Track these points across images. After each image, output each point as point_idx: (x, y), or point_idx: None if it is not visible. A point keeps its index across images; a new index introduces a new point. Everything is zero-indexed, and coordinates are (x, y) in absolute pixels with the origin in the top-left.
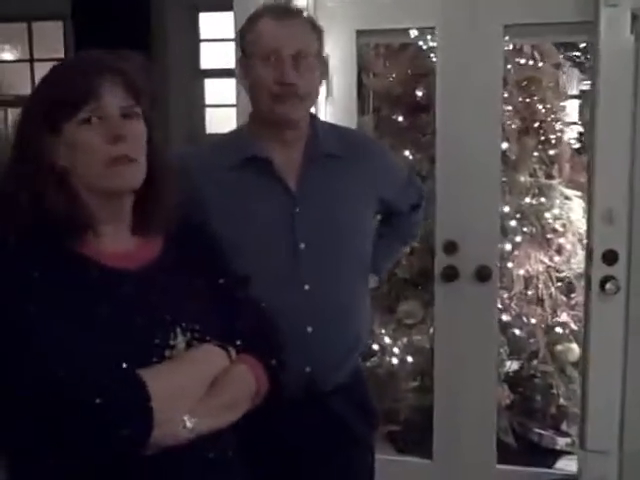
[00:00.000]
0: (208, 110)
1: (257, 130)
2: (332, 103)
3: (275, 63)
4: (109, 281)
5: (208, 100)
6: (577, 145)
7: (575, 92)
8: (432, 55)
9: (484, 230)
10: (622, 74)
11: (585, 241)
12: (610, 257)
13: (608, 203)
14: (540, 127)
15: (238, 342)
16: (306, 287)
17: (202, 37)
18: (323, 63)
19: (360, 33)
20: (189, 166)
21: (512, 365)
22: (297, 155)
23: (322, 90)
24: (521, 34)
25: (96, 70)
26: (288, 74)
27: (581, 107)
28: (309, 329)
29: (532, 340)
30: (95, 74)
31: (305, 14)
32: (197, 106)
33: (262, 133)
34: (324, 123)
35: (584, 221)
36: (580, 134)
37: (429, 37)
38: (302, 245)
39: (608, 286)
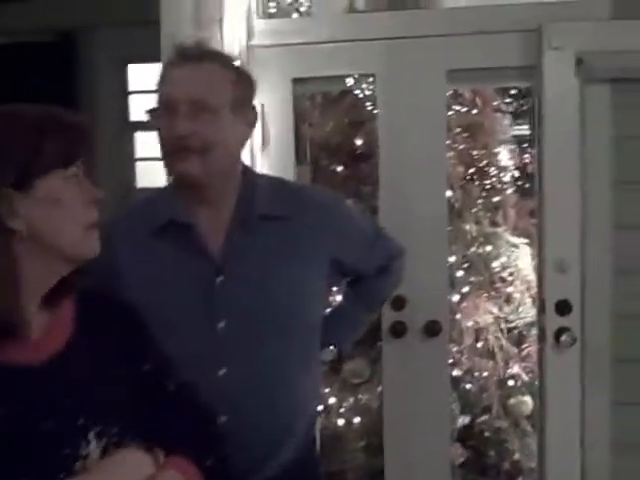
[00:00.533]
0: (139, 164)
1: (179, 190)
2: (268, 154)
3: (168, 113)
4: (6, 380)
5: (138, 153)
6: (512, 189)
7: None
8: (369, 103)
9: (432, 283)
10: (567, 118)
11: (535, 290)
12: (563, 307)
13: (559, 252)
14: (482, 173)
15: (166, 441)
16: (221, 372)
17: (131, 89)
18: (246, 112)
19: (296, 81)
20: (110, 233)
21: (464, 421)
22: (225, 217)
23: (254, 141)
24: (464, 79)
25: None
26: (178, 126)
27: (513, 152)
28: (222, 419)
29: (484, 394)
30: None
31: (219, 57)
32: (127, 159)
33: (183, 193)
34: (264, 178)
35: (531, 269)
36: (516, 179)
37: (365, 85)
38: (221, 323)
39: (564, 338)
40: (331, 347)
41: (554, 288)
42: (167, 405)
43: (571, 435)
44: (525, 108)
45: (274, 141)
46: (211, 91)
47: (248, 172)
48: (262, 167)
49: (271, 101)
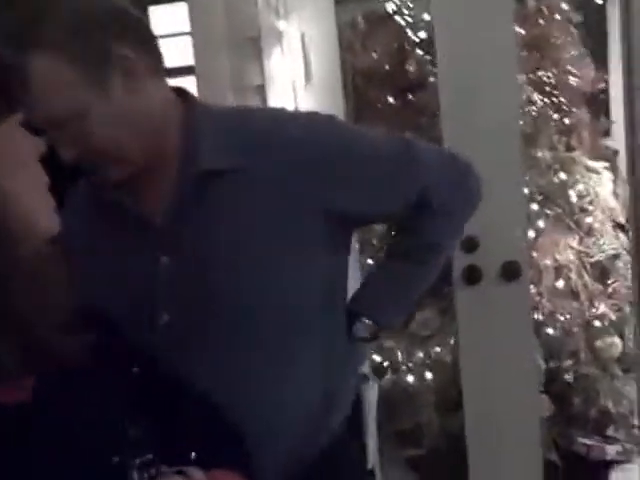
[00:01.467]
0: None
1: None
2: (312, 90)
3: None
4: None
5: None
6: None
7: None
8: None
9: (507, 220)
10: None
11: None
12: None
13: None
14: (553, 93)
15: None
16: None
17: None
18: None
19: (338, 3)
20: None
21: (548, 369)
22: (166, 183)
23: (295, 76)
24: None
25: None
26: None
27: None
28: None
29: (569, 339)
30: None
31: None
32: None
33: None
34: (218, 119)
35: (612, 195)
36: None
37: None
38: (164, 317)
39: None
40: (365, 320)
41: None
42: (178, 411)
43: None
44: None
45: (318, 75)
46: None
47: (191, 117)
48: (307, 105)
49: (312, 30)
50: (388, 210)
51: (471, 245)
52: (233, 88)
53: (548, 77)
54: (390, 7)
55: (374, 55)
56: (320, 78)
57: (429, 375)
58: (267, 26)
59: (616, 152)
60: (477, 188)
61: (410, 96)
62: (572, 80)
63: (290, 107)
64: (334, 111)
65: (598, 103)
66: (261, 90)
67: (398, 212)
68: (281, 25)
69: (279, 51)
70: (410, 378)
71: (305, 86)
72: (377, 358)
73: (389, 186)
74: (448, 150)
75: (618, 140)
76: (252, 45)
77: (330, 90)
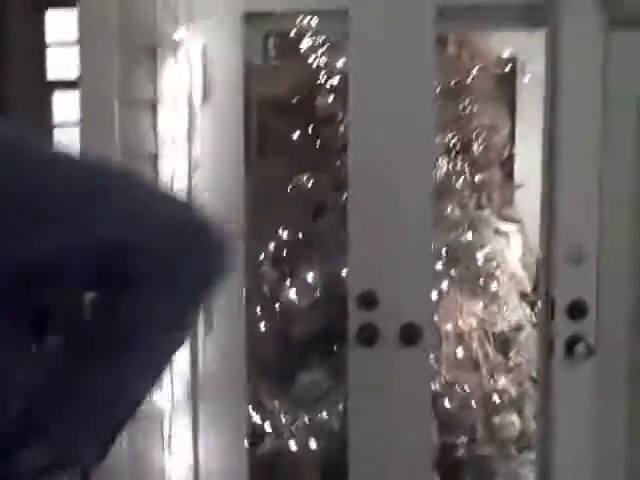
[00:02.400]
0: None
1: None
2: (211, 108)
3: None
4: None
5: (57, 118)
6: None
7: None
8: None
9: (412, 277)
10: (589, 72)
11: (523, 286)
12: (577, 310)
13: (576, 238)
14: (467, 144)
15: None
16: None
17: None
18: None
19: (248, 17)
20: None
21: (442, 445)
22: None
23: (192, 91)
24: (456, 18)
25: None
26: None
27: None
28: None
29: (465, 413)
30: None
31: None
32: (44, 126)
33: None
34: None
35: (519, 262)
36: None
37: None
38: None
39: (579, 349)
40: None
41: (567, 285)
42: None
43: (583, 464)
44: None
45: (219, 92)
46: None
47: None
48: (203, 124)
49: (215, 42)
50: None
51: (369, 301)
52: (121, 102)
53: (463, 130)
54: (305, 44)
55: (282, 84)
56: (220, 97)
57: (313, 444)
58: (164, 34)
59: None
60: (215, 261)
61: (315, 130)
62: (488, 137)
63: (183, 125)
64: (233, 135)
65: (508, 163)
66: (152, 105)
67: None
68: (179, 34)
69: (174, 63)
70: (292, 445)
71: (202, 104)
72: (257, 420)
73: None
74: (183, 198)
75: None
76: (145, 55)
77: (230, 111)
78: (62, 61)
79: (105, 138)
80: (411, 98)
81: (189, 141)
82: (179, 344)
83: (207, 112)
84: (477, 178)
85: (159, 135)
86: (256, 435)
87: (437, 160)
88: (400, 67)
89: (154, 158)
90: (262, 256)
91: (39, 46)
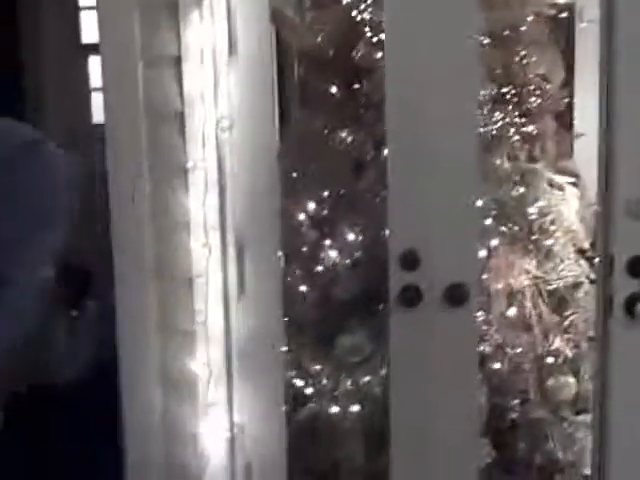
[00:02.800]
0: (95, 95)
1: None
2: (237, 66)
3: None
4: None
5: (94, 82)
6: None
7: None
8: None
9: (456, 234)
10: None
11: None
12: (638, 266)
13: (636, 191)
14: (517, 93)
15: None
16: None
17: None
18: None
19: None
20: None
21: (492, 410)
22: None
23: (216, 48)
24: None
25: None
26: None
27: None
28: None
29: (517, 376)
30: None
31: None
32: (80, 90)
33: None
34: None
35: (576, 216)
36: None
37: None
38: None
39: (639, 308)
40: None
41: (626, 240)
42: None
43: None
44: None
45: (245, 46)
46: None
47: None
48: (230, 84)
49: None
50: None
51: (411, 261)
52: (144, 61)
53: (515, 80)
54: None
55: (318, 36)
56: (247, 51)
57: (356, 408)
58: None
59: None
60: None
61: (356, 86)
62: (541, 85)
63: (210, 83)
64: (262, 91)
65: (565, 113)
66: (177, 62)
67: None
68: None
69: (198, 17)
70: (334, 410)
71: (228, 60)
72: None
73: None
74: None
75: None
76: (167, 9)
77: (258, 65)
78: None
79: (129, 98)
80: (452, 47)
81: (215, 98)
82: None
83: (234, 67)
84: (530, 129)
85: (185, 93)
86: (297, 400)
87: (484, 111)
88: (440, 14)
89: (180, 116)
90: (301, 216)
91: (73, 10)
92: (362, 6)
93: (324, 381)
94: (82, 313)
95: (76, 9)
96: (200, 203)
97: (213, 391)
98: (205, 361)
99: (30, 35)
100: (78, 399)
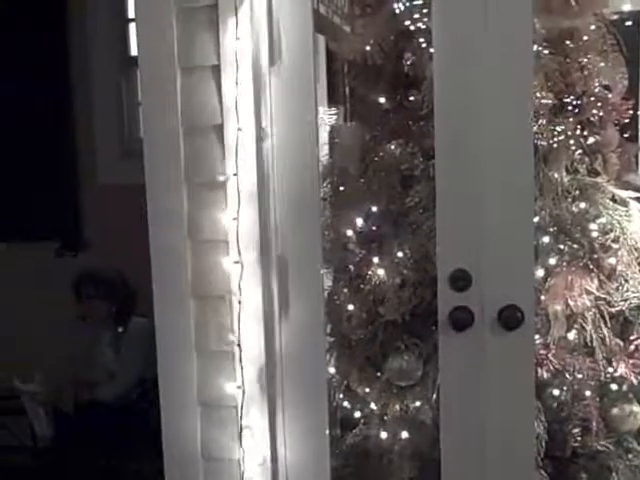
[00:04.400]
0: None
1: None
2: (279, 73)
3: None
4: None
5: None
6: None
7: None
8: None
9: (510, 253)
10: None
11: None
12: None
13: None
14: (577, 103)
15: None
16: None
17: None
18: None
19: None
20: None
21: (550, 440)
22: None
23: (259, 55)
24: None
25: None
26: None
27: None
28: None
29: (578, 404)
30: None
31: None
32: (128, 102)
33: None
34: None
35: None
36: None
37: None
38: None
39: None
40: None
41: None
42: None
43: None
44: None
45: (288, 54)
46: None
47: None
48: (272, 91)
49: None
50: None
51: (462, 281)
52: (181, 69)
53: (574, 88)
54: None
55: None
56: (290, 60)
57: (405, 434)
58: None
59: None
60: None
61: (403, 95)
62: (603, 92)
63: (249, 93)
64: (305, 101)
65: (631, 124)
66: (216, 71)
67: None
68: None
69: (236, 24)
70: (383, 434)
71: (270, 69)
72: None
73: None
74: None
75: None
76: (206, 18)
77: (301, 74)
78: None
79: (167, 109)
80: (505, 57)
81: (256, 108)
82: None
83: (275, 76)
84: (590, 141)
85: (224, 102)
86: (345, 423)
87: (542, 122)
88: (493, 21)
89: (219, 127)
90: (348, 232)
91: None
92: (416, 15)
93: (372, 405)
94: (126, 329)
95: (124, 20)
96: (234, 217)
97: (246, 415)
98: (239, 384)
99: (78, 48)
100: (122, 418)
